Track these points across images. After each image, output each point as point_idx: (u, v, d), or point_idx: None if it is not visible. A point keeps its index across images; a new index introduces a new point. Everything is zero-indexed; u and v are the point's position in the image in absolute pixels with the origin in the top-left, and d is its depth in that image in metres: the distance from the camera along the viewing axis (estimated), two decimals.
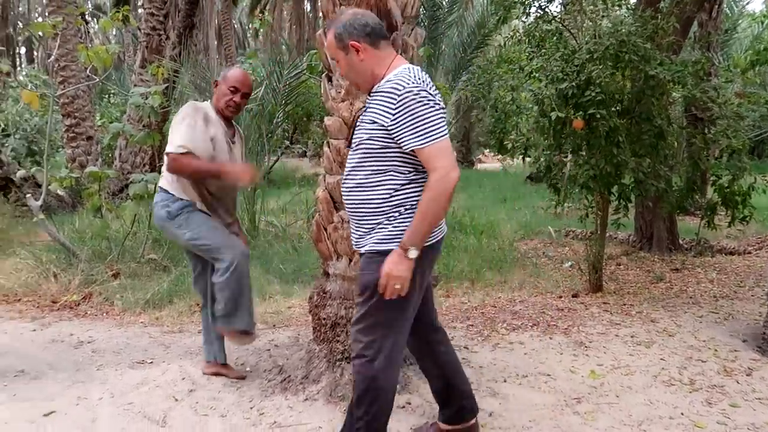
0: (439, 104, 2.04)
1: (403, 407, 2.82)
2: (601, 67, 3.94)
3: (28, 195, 5.71)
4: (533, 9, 5.05)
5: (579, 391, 3.07)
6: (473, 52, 12.68)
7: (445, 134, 2.01)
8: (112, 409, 2.94)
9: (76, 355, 3.70)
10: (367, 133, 2.07)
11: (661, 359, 3.50)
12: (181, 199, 3.05)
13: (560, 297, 4.88)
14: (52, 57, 8.54)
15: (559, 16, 4.78)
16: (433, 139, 1.98)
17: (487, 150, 19.14)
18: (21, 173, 6.86)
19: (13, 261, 5.51)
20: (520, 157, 5.42)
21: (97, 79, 5.71)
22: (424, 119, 1.98)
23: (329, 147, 3.01)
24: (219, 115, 3.11)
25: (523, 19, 5.31)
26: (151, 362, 3.55)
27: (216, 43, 27.47)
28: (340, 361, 2.98)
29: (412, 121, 1.98)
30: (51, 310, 4.65)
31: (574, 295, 4.89)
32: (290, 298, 4.91)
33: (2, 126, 12.34)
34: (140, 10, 15.57)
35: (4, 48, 17.11)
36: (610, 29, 4.12)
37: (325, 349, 3.05)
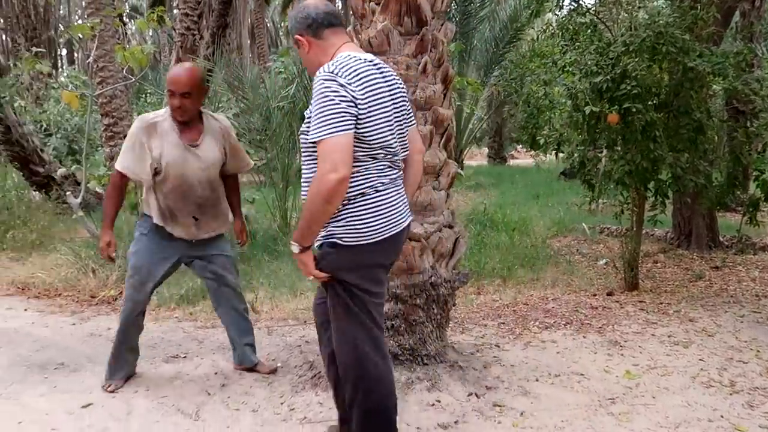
0: (344, 98, 1.90)
1: (433, 405, 2.80)
2: (637, 59, 3.84)
3: (68, 193, 5.88)
4: (567, 1, 4.94)
5: (613, 392, 3.00)
6: (505, 47, 12.53)
7: (336, 131, 1.86)
8: (147, 402, 3.00)
9: None
10: (305, 125, 2.04)
11: (700, 360, 3.40)
12: (145, 214, 3.09)
13: (594, 295, 4.78)
14: (91, 58, 8.75)
15: (594, 8, 4.66)
16: (321, 136, 1.88)
17: (520, 146, 18.91)
18: (61, 171, 7.05)
19: (54, 257, 5.68)
20: (553, 152, 5.31)
21: (133, 79, 5.82)
22: (319, 112, 1.90)
23: None
24: (174, 121, 2.93)
25: (557, 12, 5.21)
26: (185, 357, 3.62)
27: (249, 42, 27.81)
28: None
29: (314, 112, 1.92)
30: (89, 304, 4.77)
31: (609, 294, 4.79)
32: None
33: (44, 126, 12.71)
34: (175, 11, 15.87)
35: (45, 50, 17.63)
36: (647, 21, 4.01)
37: None
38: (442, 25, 2.95)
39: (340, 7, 25.17)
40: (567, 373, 3.23)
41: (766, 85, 4.42)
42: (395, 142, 2.09)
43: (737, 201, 6.35)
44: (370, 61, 2.06)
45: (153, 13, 5.57)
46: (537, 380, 3.14)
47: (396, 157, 2.12)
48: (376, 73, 2.04)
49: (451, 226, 3.08)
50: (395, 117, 2.10)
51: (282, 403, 2.93)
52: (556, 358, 3.45)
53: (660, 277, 5.28)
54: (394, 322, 2.94)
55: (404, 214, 2.16)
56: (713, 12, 4.26)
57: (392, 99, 2.10)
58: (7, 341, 3.88)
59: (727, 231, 6.64)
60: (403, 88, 2.20)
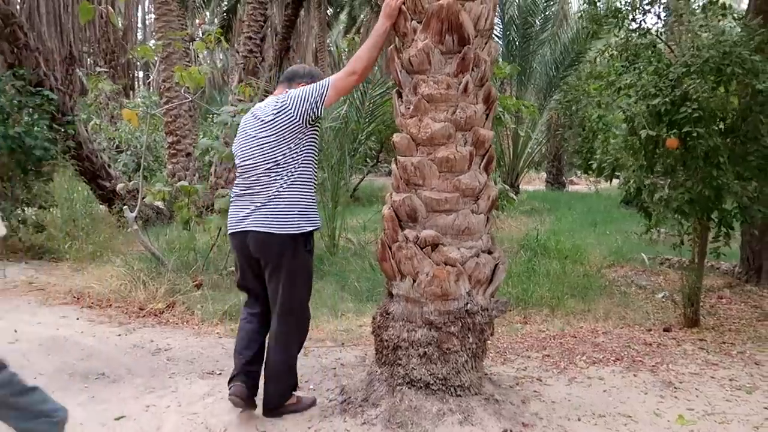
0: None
1: None
2: (699, 81, 3.61)
3: (125, 207, 6.08)
4: (627, 22, 4.75)
5: None
6: (566, 70, 12.29)
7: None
8: (177, 417, 2.99)
9: (153, 362, 3.83)
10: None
11: (765, 408, 3.10)
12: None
13: (650, 330, 4.50)
14: (153, 77, 9.15)
15: (655, 28, 4.46)
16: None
17: (579, 171, 18.36)
18: (120, 186, 7.33)
19: (109, 268, 5.87)
20: (609, 178, 5.08)
21: (190, 98, 6.01)
22: None
23: (397, 164, 2.94)
24: None
25: (616, 32, 5.02)
26: (220, 373, 3.61)
27: (313, 64, 28.47)
28: (401, 385, 2.88)
29: None
30: (137, 316, 4.88)
31: (666, 329, 4.49)
32: (362, 316, 4.86)
33: (117, 143, 13.35)
34: (241, 35, 16.44)
35: (122, 72, 18.63)
36: (711, 41, 3.78)
37: (386, 372, 2.95)
38: (485, 43, 2.86)
39: None
40: (613, 414, 3.01)
41: None
42: (249, 161, 2.87)
43: None
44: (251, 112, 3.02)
45: (210, 34, 5.75)
46: (579, 420, 2.94)
47: (246, 173, 2.88)
48: (249, 116, 3.00)
49: (490, 252, 2.95)
50: (257, 144, 2.85)
51: (309, 428, 2.86)
52: (602, 397, 3.23)
53: (724, 315, 4.92)
54: (426, 350, 2.83)
55: (239, 222, 2.88)
56: None
57: (256, 128, 2.90)
58: (56, 348, 4.00)
59: None
60: (278, 111, 2.83)
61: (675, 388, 3.36)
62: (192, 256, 6.02)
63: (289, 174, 2.80)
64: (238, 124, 5.61)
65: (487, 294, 2.93)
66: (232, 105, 10.31)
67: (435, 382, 2.85)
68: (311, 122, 2.83)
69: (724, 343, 4.18)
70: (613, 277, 6.26)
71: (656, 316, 4.91)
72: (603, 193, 14.83)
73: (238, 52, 11.89)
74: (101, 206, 9.13)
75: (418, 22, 2.80)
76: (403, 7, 2.84)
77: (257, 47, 11.15)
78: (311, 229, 2.87)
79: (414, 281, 2.84)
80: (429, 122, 2.78)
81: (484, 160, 2.91)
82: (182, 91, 6.63)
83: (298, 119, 2.78)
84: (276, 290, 2.86)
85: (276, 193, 2.79)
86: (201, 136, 14.82)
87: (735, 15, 4.54)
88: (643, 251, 7.20)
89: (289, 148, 2.80)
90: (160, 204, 9.25)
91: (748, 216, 4.08)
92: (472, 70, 2.78)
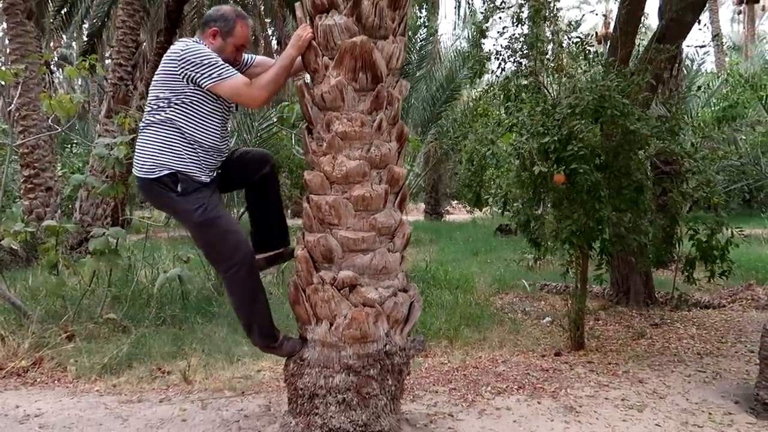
0: None
1: None
2: (583, 121, 3.91)
3: None
4: (509, 64, 5.05)
5: None
6: (442, 106, 12.88)
7: None
8: None
9: None
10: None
11: (657, 425, 3.33)
12: None
13: (543, 356, 4.70)
14: (13, 106, 8.25)
15: (535, 70, 4.78)
16: None
17: (455, 201, 19.23)
18: None
19: None
20: (497, 209, 5.32)
21: (59, 129, 5.46)
22: None
23: (309, 203, 2.83)
24: None
25: (498, 73, 5.32)
26: None
27: None
28: None
29: None
30: None
31: (557, 354, 4.73)
32: (260, 360, 4.59)
33: None
34: (107, 61, 15.43)
35: None
36: (589, 84, 4.13)
37: (302, 423, 2.79)
38: (397, 82, 2.88)
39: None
40: None
41: (699, 148, 4.61)
42: None
43: (670, 258, 6.57)
44: None
45: (84, 61, 5.28)
46: None
47: None
48: None
49: (405, 290, 2.92)
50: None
51: None
52: (513, 428, 3.29)
53: (604, 336, 5.29)
54: (345, 396, 2.72)
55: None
56: (648, 78, 4.46)
57: None
58: None
59: (660, 287, 6.82)
60: (169, 54, 2.76)
61: (576, 412, 3.51)
62: (61, 303, 5.38)
63: (160, 114, 2.76)
64: (116, 158, 5.21)
65: (404, 333, 2.89)
66: (100, 135, 9.58)
67: (355, 429, 2.73)
68: (193, 83, 2.74)
69: (610, 363, 4.47)
70: (500, 305, 6.52)
71: (545, 340, 5.15)
72: (479, 222, 15.59)
73: (106, 80, 11.10)
74: None
75: (330, 59, 2.74)
76: (313, 42, 2.78)
77: (128, 75, 10.47)
78: (166, 172, 2.75)
79: (331, 325, 2.72)
80: (344, 160, 2.72)
81: (398, 198, 2.89)
82: (49, 120, 5.99)
83: (178, 71, 2.72)
84: None
85: (143, 128, 2.82)
86: (60, 168, 13.58)
87: (602, 63, 5.02)
88: (523, 277, 7.61)
89: (167, 89, 2.74)
90: (14, 244, 8.25)
91: (624, 244, 4.44)
92: (386, 108, 2.77)
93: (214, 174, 2.91)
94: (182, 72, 2.70)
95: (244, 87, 2.72)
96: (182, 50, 2.71)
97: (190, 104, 2.75)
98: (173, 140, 2.75)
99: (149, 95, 2.82)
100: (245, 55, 3.03)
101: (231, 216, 2.92)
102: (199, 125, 2.78)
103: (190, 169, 2.77)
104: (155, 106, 2.77)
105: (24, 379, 4.23)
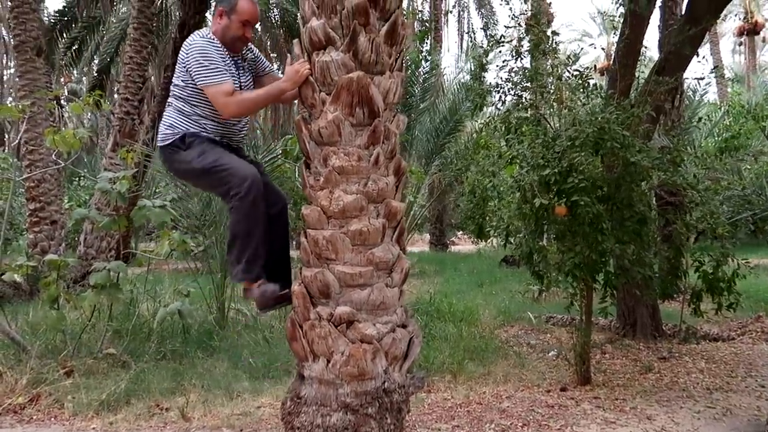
0: None
1: None
2: (583, 154, 3.91)
3: None
4: (509, 97, 5.09)
5: None
6: (445, 138, 12.94)
7: None
8: None
9: None
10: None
11: None
12: None
13: (548, 391, 4.61)
14: (17, 140, 8.34)
15: (535, 103, 4.81)
16: None
17: (460, 232, 19.17)
18: None
19: None
20: (501, 241, 5.29)
21: (63, 164, 5.50)
22: None
23: (306, 237, 2.81)
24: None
25: (499, 106, 5.35)
26: None
27: None
28: None
29: None
30: None
31: (563, 389, 4.63)
32: (260, 396, 4.53)
33: None
34: (115, 96, 15.67)
35: None
36: (588, 117, 4.14)
37: None
38: (394, 116, 2.88)
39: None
40: None
41: (701, 179, 4.59)
42: None
43: (676, 290, 6.47)
44: None
45: (90, 96, 5.36)
46: None
47: None
48: None
49: (404, 326, 2.87)
50: None
51: None
52: None
53: (611, 370, 5.19)
54: None
55: None
56: (648, 110, 4.46)
57: None
58: None
59: (668, 319, 6.71)
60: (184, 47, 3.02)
61: None
62: (61, 338, 5.34)
63: (177, 97, 3.04)
64: (118, 192, 5.23)
65: (403, 370, 2.83)
66: (105, 169, 9.65)
67: None
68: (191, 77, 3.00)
69: (617, 399, 4.37)
70: (505, 337, 6.43)
71: (551, 375, 5.06)
72: (484, 253, 15.52)
73: (113, 114, 11.27)
74: None
75: (327, 94, 2.76)
76: (310, 77, 2.80)
77: (135, 109, 10.63)
78: (179, 136, 3.00)
79: (329, 362, 2.67)
80: (341, 194, 2.71)
81: (396, 232, 2.87)
82: (53, 155, 6.05)
83: (184, 64, 2.99)
84: None
85: (166, 108, 3.12)
86: (67, 202, 13.68)
87: (601, 95, 5.04)
88: (529, 309, 7.52)
89: (179, 77, 3.03)
90: (17, 277, 8.25)
91: (629, 276, 4.38)
92: (383, 142, 2.77)
93: (225, 141, 3.10)
94: (186, 65, 2.98)
95: (221, 96, 2.91)
96: (189, 44, 3.00)
97: (197, 89, 3.00)
98: (185, 113, 3.03)
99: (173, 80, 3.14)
100: (266, 63, 3.28)
101: (239, 160, 3.06)
102: (209, 106, 3.01)
103: (197, 130, 3.02)
104: (174, 89, 3.08)
105: (20, 416, 4.17)
